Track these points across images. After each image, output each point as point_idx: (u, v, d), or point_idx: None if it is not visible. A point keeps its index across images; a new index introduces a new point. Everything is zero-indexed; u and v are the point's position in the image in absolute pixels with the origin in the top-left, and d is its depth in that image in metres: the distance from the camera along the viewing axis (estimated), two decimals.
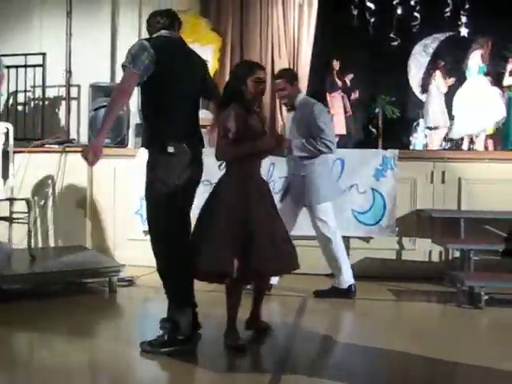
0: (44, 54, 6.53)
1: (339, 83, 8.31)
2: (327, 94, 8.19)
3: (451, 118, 7.82)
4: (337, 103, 8.34)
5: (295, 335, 3.75)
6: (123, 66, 3.20)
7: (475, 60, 6.91)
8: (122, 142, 5.85)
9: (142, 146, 3.51)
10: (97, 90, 6.00)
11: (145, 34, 6.36)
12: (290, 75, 4.57)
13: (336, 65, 8.02)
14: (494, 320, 4.20)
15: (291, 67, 6.12)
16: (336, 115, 8.11)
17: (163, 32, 3.38)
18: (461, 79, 7.36)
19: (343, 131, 8.34)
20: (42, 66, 6.54)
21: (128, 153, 5.66)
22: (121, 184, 5.60)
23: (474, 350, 3.38)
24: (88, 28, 6.56)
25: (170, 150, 3.16)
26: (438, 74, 7.95)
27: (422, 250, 5.33)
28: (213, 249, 3.15)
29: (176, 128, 3.21)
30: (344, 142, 8.22)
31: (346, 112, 8.43)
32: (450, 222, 5.13)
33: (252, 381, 2.94)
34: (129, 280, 4.83)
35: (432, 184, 5.33)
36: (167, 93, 3.21)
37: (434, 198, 5.33)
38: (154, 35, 3.39)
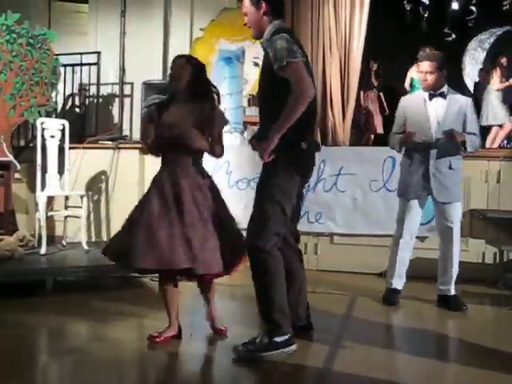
0: (99, 53, 6.70)
1: (375, 82, 8.24)
2: (361, 93, 8.11)
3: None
4: (372, 103, 8.28)
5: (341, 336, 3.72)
6: (282, 63, 2.94)
7: None
8: None
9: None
10: (149, 87, 6.12)
11: (196, 33, 6.54)
12: (441, 60, 4.19)
13: (373, 65, 7.93)
14: None
15: (342, 66, 6.05)
16: (373, 115, 8.14)
17: (281, 23, 3.18)
18: None
19: (380, 130, 8.25)
20: (97, 64, 6.71)
21: None
22: None
23: None
24: (141, 27, 6.67)
25: (304, 146, 3.09)
26: (497, 70, 7.72)
27: (475, 251, 5.20)
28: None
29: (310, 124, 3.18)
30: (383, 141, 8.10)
31: (382, 111, 8.32)
32: (505, 223, 4.99)
33: None
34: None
35: (487, 183, 5.20)
36: None
37: (488, 197, 5.19)
38: (275, 24, 3.14)
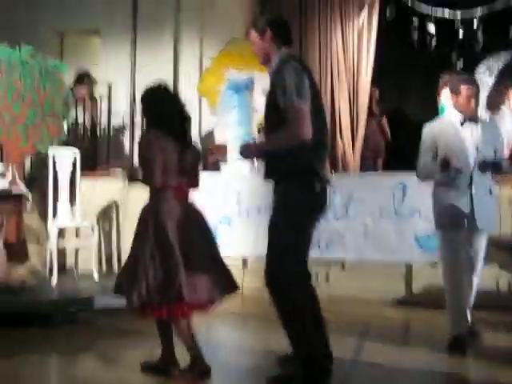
0: (110, 85, 6.78)
1: (376, 109, 8.17)
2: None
3: None
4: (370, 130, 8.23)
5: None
6: (290, 101, 2.93)
7: None
8: None
9: (270, 177, 3.20)
10: None
11: (205, 62, 6.61)
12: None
13: (375, 92, 7.87)
14: None
15: (351, 92, 6.09)
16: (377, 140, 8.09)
17: (289, 50, 3.18)
18: None
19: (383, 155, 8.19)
20: (108, 95, 6.79)
21: None
22: None
23: None
24: (151, 57, 6.75)
25: (317, 189, 3.05)
26: (510, 92, 7.65)
27: (489, 276, 5.12)
28: None
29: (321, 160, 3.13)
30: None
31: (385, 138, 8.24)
32: None
33: None
34: None
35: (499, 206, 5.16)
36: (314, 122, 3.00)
37: (501, 220, 5.13)
38: (283, 53, 3.14)
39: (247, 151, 3.24)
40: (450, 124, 4.03)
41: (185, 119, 3.38)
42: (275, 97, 3.02)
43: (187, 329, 3.20)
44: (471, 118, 3.99)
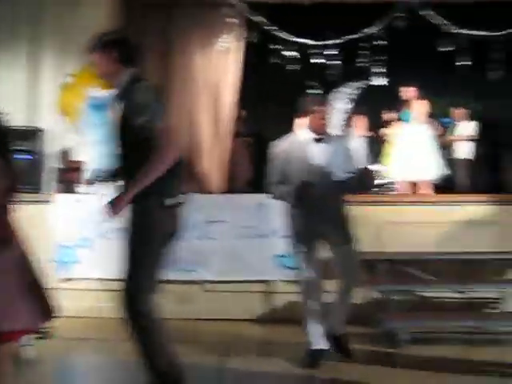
0: None
1: (240, 132, 8.31)
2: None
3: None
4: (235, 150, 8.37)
5: None
6: (144, 123, 2.88)
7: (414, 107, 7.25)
8: (36, 187, 5.67)
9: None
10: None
11: (65, 78, 6.33)
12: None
13: (241, 112, 8.04)
14: (413, 359, 4.25)
15: (213, 114, 6.14)
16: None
17: (137, 71, 3.11)
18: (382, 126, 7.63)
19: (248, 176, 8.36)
20: None
21: (42, 198, 5.49)
22: (35, 231, 5.38)
23: None
24: (7, 75, 6.39)
25: (167, 202, 3.00)
26: (358, 119, 8.14)
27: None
28: None
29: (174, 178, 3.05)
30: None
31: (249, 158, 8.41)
32: (370, 264, 5.21)
33: None
34: (43, 332, 4.56)
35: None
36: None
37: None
38: (131, 72, 3.08)
39: (117, 207, 2.97)
40: (300, 142, 4.13)
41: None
42: (125, 114, 2.96)
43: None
44: (322, 136, 4.11)
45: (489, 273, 5.53)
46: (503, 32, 8.18)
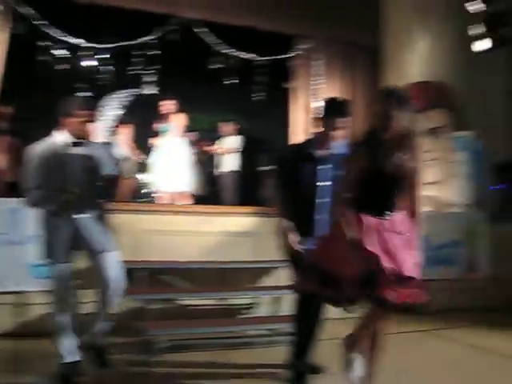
0: None
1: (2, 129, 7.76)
2: None
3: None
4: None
5: None
6: None
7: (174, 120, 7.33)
8: None
9: None
10: None
11: None
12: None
13: (6, 109, 7.51)
14: (170, 365, 4.32)
15: None
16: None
17: None
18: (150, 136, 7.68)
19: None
20: None
21: None
22: None
23: None
24: None
25: None
26: (124, 127, 8.01)
27: None
28: None
29: None
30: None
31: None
32: (129, 273, 5.18)
33: None
34: None
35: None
36: None
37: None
38: None
39: None
40: (57, 146, 3.95)
41: None
42: None
43: None
44: (81, 141, 3.98)
45: (244, 280, 5.87)
46: (268, 58, 8.92)
